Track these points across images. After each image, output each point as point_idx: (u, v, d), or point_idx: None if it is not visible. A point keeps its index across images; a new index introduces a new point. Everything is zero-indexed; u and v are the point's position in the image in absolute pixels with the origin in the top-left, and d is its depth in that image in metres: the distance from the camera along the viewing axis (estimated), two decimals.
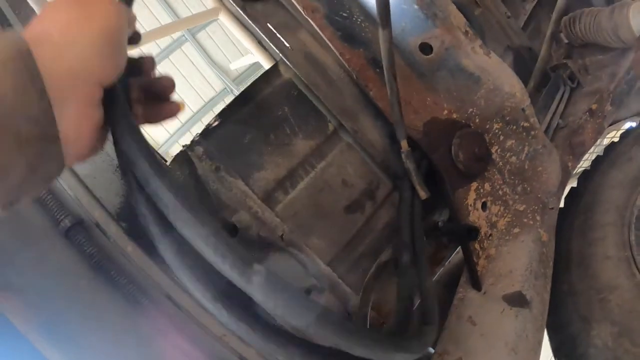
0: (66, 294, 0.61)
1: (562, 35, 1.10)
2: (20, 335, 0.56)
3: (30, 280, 0.59)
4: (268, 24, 0.76)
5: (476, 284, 0.75)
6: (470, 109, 0.80)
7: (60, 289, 0.61)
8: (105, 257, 0.62)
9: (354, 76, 0.76)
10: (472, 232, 0.75)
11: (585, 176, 1.13)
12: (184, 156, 0.70)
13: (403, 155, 0.70)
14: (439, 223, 0.76)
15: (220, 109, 0.75)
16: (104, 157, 0.67)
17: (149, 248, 0.65)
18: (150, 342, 0.65)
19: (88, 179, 0.64)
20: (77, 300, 0.61)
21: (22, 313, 0.56)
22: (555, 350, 0.94)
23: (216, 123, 0.73)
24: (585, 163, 1.21)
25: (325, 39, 0.75)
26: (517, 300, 0.72)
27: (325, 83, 0.76)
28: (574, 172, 1.02)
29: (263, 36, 0.77)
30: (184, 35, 6.00)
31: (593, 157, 1.19)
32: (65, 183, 0.63)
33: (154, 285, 0.66)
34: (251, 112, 0.74)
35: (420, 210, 0.70)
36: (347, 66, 0.75)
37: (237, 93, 0.73)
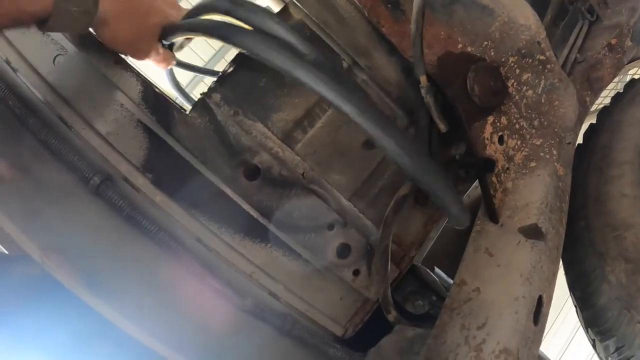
0: (103, 248, 0.65)
1: None
2: (66, 290, 0.60)
3: (68, 239, 0.62)
4: None
5: (493, 217, 0.76)
6: (485, 42, 0.78)
7: (96, 244, 0.64)
8: (135, 209, 0.65)
9: (365, 13, 0.75)
10: (489, 165, 0.75)
11: (604, 113, 1.10)
12: (202, 103, 0.71)
13: (423, 91, 0.69)
14: (456, 157, 0.76)
15: (233, 55, 0.75)
16: (124, 112, 0.69)
17: (175, 195, 0.68)
18: (184, 283, 0.69)
19: (111, 136, 0.67)
20: (114, 252, 0.65)
21: (66, 270, 0.60)
22: (571, 285, 0.95)
23: (231, 69, 0.74)
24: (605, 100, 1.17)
25: None
26: (532, 232, 0.72)
27: (336, 21, 0.75)
28: (593, 107, 1.00)
29: None
30: None
31: (613, 94, 1.16)
32: (90, 143, 0.66)
33: (183, 229, 0.69)
34: None
35: (436, 140, 0.71)
36: (357, 3, 0.74)
37: None
